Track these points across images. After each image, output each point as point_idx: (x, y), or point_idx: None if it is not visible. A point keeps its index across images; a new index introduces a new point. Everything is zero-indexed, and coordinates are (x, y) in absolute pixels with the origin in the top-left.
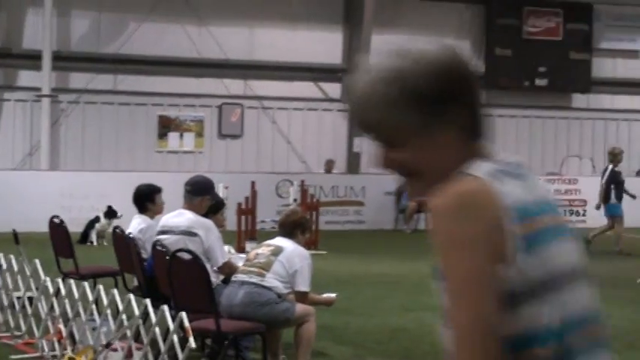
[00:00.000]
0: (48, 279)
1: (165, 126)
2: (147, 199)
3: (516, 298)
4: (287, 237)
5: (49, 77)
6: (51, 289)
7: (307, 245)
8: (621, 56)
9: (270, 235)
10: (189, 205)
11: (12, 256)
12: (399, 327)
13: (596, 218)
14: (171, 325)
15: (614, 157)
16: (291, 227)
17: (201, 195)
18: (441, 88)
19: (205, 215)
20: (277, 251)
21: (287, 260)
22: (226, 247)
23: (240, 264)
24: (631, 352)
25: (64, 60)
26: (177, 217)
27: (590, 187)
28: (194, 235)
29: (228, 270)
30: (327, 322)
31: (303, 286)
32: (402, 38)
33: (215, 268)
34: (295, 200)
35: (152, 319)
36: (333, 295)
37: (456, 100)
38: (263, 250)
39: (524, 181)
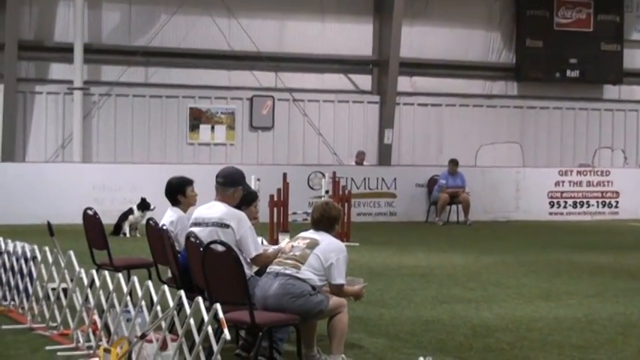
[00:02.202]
0: (82, 270)
1: (197, 118)
2: (178, 191)
3: None
4: (324, 231)
5: (80, 70)
6: (85, 281)
7: (339, 237)
8: None
9: (303, 227)
10: (222, 197)
11: (46, 248)
12: (432, 319)
13: (629, 210)
14: (206, 317)
15: None
16: (329, 222)
17: (234, 186)
18: None
19: (238, 207)
20: (313, 244)
21: (322, 254)
22: (259, 239)
23: (283, 242)
24: None
25: (96, 53)
26: (210, 209)
27: (623, 179)
28: (226, 226)
29: (262, 261)
30: (360, 314)
31: (339, 279)
32: (432, 30)
33: (248, 260)
34: (327, 192)
35: (187, 310)
36: (360, 280)
37: None
38: (299, 242)
39: None
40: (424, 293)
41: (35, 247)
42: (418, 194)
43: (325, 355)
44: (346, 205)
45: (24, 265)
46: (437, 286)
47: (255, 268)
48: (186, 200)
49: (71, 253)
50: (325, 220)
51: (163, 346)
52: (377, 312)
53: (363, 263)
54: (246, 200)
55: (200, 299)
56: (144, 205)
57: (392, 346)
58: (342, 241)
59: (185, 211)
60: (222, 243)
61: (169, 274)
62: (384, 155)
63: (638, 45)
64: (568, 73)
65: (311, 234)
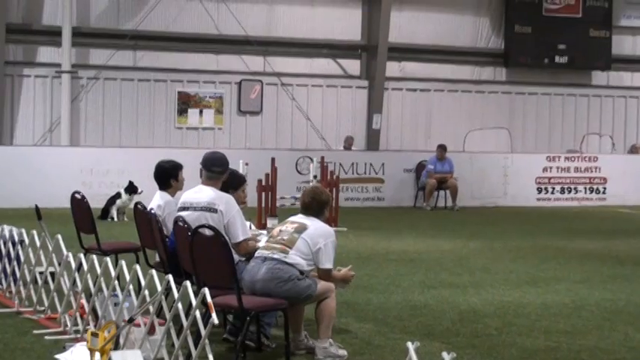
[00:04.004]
0: (70, 254)
1: (185, 102)
2: (171, 175)
3: None
4: (314, 216)
5: (69, 53)
6: (73, 265)
7: (327, 222)
8: None
9: (291, 212)
10: (209, 181)
11: (34, 232)
12: (419, 304)
13: (616, 196)
14: (194, 301)
15: None
16: (320, 207)
17: (222, 174)
18: None
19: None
20: (301, 229)
21: (311, 238)
22: (247, 224)
23: (262, 241)
24: None
25: (84, 36)
26: (198, 193)
27: (610, 165)
28: (215, 211)
29: (244, 250)
30: (348, 299)
31: (327, 263)
32: (421, 15)
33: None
34: (315, 177)
35: (174, 294)
36: (347, 268)
37: None
38: (287, 227)
39: None
40: (412, 278)
41: (23, 230)
42: (406, 179)
43: (313, 339)
44: (334, 190)
45: (11, 249)
46: (424, 272)
47: None
48: (178, 184)
49: (59, 237)
50: (316, 204)
51: (151, 331)
52: (365, 297)
53: (350, 248)
54: (233, 184)
55: (188, 283)
56: (131, 189)
57: (379, 330)
58: (330, 226)
59: (173, 195)
60: (210, 227)
61: (157, 259)
62: (373, 140)
63: (627, 31)
64: (556, 59)
65: (300, 218)
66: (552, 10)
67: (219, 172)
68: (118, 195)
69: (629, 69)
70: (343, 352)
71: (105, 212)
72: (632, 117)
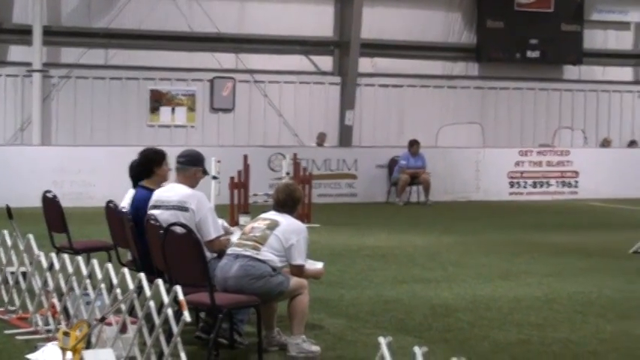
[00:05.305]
0: (42, 254)
1: (157, 100)
2: (155, 162)
3: None
4: (287, 213)
5: (40, 52)
6: (45, 264)
7: (300, 218)
8: (612, 28)
9: (264, 209)
10: (182, 178)
11: (5, 232)
12: (392, 299)
13: (588, 189)
14: (166, 299)
15: None
16: (294, 203)
17: (195, 166)
18: None
19: (150, 169)
20: (273, 225)
21: (283, 234)
22: (220, 221)
23: (235, 238)
24: (623, 322)
25: (55, 35)
26: (169, 191)
27: (582, 159)
28: (186, 209)
29: (217, 247)
30: (320, 295)
31: (300, 259)
32: (394, 11)
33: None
34: (288, 174)
35: (146, 293)
36: (320, 264)
37: None
38: (259, 223)
39: None
40: (384, 274)
41: None
42: (379, 175)
43: (286, 336)
44: (307, 186)
45: None
46: (397, 267)
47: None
48: (162, 172)
49: (30, 236)
50: (290, 201)
51: (123, 329)
52: (337, 293)
53: (323, 244)
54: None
55: (160, 281)
56: None
57: (352, 326)
58: (303, 222)
59: (157, 185)
60: (182, 225)
61: (129, 257)
62: (345, 136)
63: (598, 25)
64: (528, 53)
65: (272, 215)
66: (524, 4)
67: (182, 162)
68: None
69: (601, 63)
70: (316, 348)
71: None
72: (604, 111)
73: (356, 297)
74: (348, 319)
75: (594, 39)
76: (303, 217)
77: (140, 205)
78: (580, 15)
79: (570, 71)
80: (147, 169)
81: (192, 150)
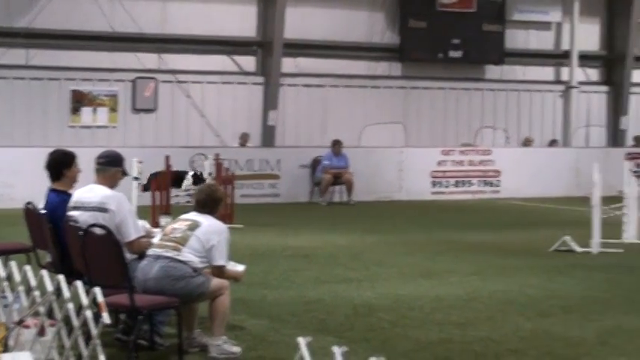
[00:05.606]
0: None
1: (79, 101)
2: (64, 164)
3: None
4: (208, 214)
5: None
6: None
7: (222, 219)
8: (533, 28)
9: (185, 210)
10: (102, 179)
11: None
12: (314, 299)
13: (510, 188)
14: (85, 301)
15: None
16: (215, 204)
17: (115, 166)
18: None
19: (59, 171)
20: (194, 226)
21: (204, 235)
22: (141, 222)
23: (156, 239)
24: (543, 320)
25: None
26: (89, 192)
27: (504, 158)
28: (106, 210)
29: (137, 248)
30: (242, 296)
31: (220, 260)
32: (317, 11)
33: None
34: (210, 174)
35: (65, 295)
36: (241, 267)
37: None
38: (179, 224)
39: None
40: (307, 274)
41: None
42: (302, 175)
43: (206, 337)
44: (229, 186)
45: None
46: (320, 267)
47: None
48: (71, 174)
49: None
50: (211, 201)
51: (41, 332)
52: (259, 293)
53: (246, 245)
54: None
55: (79, 283)
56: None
57: (273, 327)
58: (226, 223)
59: (69, 187)
60: (102, 226)
61: (48, 259)
62: (268, 137)
63: (520, 25)
64: (451, 53)
65: (193, 216)
66: (446, 4)
67: (102, 162)
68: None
69: (522, 63)
70: (237, 349)
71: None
72: (525, 110)
73: (278, 297)
74: (269, 320)
75: (516, 39)
76: (226, 218)
77: (54, 207)
78: (502, 15)
79: (492, 71)
80: (56, 171)
81: (111, 151)
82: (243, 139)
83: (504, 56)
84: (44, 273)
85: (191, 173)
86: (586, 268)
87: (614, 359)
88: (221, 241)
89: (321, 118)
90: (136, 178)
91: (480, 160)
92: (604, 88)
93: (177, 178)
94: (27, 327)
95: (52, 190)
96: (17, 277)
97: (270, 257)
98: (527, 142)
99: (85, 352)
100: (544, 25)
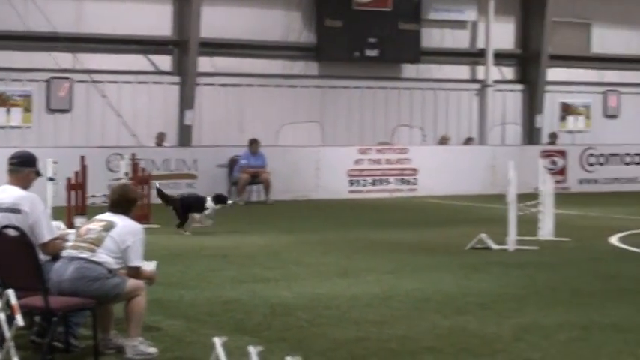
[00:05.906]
0: None
1: None
2: None
3: None
4: (122, 214)
5: None
6: None
7: (139, 219)
8: (449, 27)
9: (102, 210)
10: (15, 180)
11: None
12: (231, 299)
13: (427, 187)
14: None
15: None
16: (128, 204)
17: (28, 167)
18: None
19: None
20: (109, 227)
21: (119, 236)
22: (56, 223)
23: (71, 240)
24: (459, 317)
25: None
26: (2, 193)
27: (421, 156)
28: (19, 211)
29: (52, 249)
30: (159, 296)
31: (136, 261)
32: (233, 10)
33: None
34: (127, 174)
35: None
36: (152, 263)
37: None
38: (94, 225)
39: None
40: (224, 274)
41: None
42: (219, 175)
43: (122, 338)
44: (146, 187)
45: None
46: (237, 267)
47: None
48: None
49: None
50: (124, 201)
51: None
52: (176, 294)
53: (163, 245)
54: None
55: None
56: (219, 199)
57: (190, 327)
58: (143, 223)
59: None
60: (15, 228)
61: None
62: (185, 136)
63: (436, 24)
64: (367, 52)
65: (108, 216)
66: (363, 3)
67: (15, 163)
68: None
69: (438, 61)
70: (153, 350)
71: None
72: (441, 108)
73: (195, 298)
74: (186, 320)
75: (432, 38)
76: (143, 218)
77: None
78: (418, 14)
79: (408, 70)
80: None
81: (24, 151)
82: (160, 139)
83: (420, 55)
84: None
85: (210, 197)
86: (502, 265)
87: (529, 355)
88: (136, 242)
89: (238, 118)
90: (51, 179)
91: (397, 159)
92: (519, 86)
93: (199, 203)
94: None
95: None
96: None
97: (188, 257)
98: (443, 141)
99: None
100: (460, 24)
